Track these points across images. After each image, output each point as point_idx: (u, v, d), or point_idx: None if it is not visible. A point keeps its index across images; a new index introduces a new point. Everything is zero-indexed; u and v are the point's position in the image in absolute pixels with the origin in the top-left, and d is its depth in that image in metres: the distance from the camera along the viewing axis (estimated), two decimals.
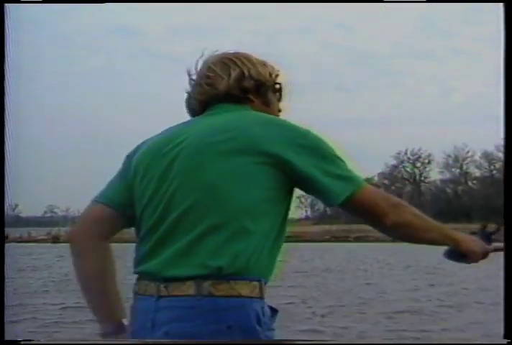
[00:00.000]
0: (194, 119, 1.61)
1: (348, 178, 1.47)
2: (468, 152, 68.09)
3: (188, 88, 1.65)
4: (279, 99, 1.67)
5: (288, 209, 1.52)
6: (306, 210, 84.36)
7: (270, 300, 1.49)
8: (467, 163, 69.22)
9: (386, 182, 75.49)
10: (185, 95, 1.66)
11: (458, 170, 70.09)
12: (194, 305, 1.40)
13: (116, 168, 1.65)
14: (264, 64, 1.64)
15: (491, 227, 1.68)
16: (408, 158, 72.04)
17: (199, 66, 1.64)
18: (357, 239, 42.60)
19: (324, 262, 22.56)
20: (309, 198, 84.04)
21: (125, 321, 1.56)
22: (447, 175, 71.08)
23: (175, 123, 1.62)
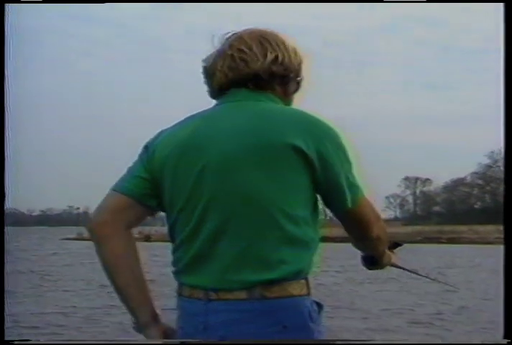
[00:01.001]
0: (219, 111, 1.52)
1: (357, 185, 1.48)
2: None
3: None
4: (295, 91, 1.59)
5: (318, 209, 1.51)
6: (395, 211, 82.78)
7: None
8: None
9: (480, 182, 72.87)
10: (203, 64, 1.56)
11: None
12: (248, 309, 1.40)
13: None
14: (295, 52, 1.55)
15: (393, 243, 1.82)
16: (503, 157, 69.15)
17: (229, 37, 1.54)
18: (451, 241, 41.25)
19: (421, 264, 21.94)
20: (398, 198, 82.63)
21: (158, 311, 1.54)
22: None
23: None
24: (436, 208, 78.41)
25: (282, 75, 1.52)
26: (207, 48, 1.58)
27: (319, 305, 1.49)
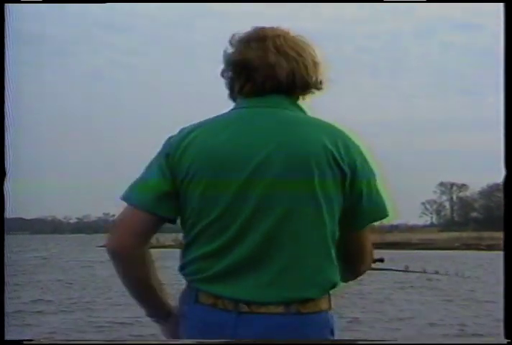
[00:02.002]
0: (258, 118, 1.45)
1: (381, 206, 1.48)
2: None
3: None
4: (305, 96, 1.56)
5: None
6: (431, 217, 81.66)
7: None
8: None
9: None
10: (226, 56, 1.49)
11: None
12: (283, 324, 1.39)
13: None
14: (316, 63, 1.51)
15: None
16: None
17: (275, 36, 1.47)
18: (490, 247, 40.49)
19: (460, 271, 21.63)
20: (435, 204, 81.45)
21: (172, 303, 1.56)
22: None
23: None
24: (474, 214, 77.10)
25: (301, 85, 1.49)
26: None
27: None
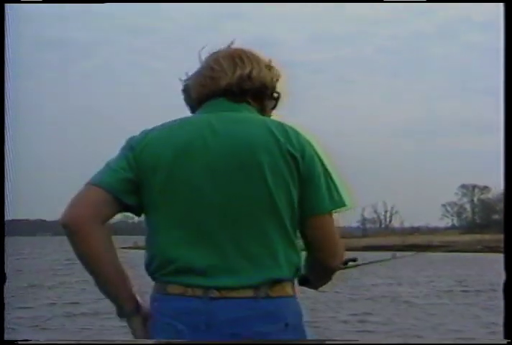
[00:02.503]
0: (206, 119, 1.55)
1: (337, 193, 1.52)
2: None
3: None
4: (273, 107, 1.67)
5: None
6: (452, 219, 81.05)
7: None
8: None
9: None
10: (182, 84, 1.66)
11: None
12: (254, 307, 1.45)
13: None
14: (270, 68, 1.62)
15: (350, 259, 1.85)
16: None
17: (205, 56, 1.64)
18: None
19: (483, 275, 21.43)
20: (456, 206, 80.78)
21: (139, 299, 1.55)
22: None
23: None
24: (496, 217, 76.32)
25: (252, 89, 1.58)
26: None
27: None
